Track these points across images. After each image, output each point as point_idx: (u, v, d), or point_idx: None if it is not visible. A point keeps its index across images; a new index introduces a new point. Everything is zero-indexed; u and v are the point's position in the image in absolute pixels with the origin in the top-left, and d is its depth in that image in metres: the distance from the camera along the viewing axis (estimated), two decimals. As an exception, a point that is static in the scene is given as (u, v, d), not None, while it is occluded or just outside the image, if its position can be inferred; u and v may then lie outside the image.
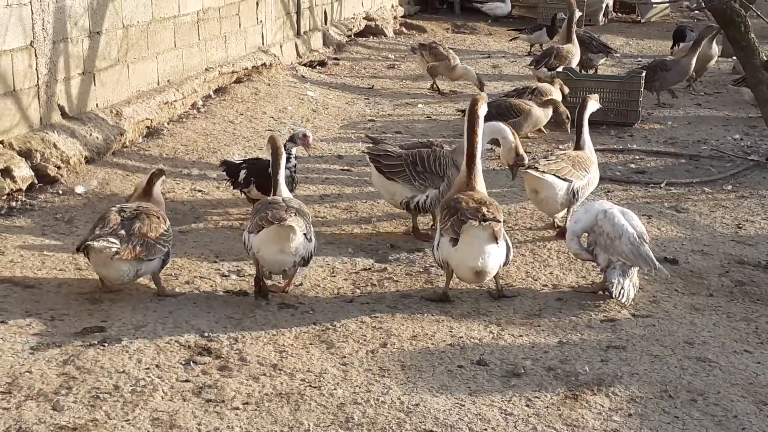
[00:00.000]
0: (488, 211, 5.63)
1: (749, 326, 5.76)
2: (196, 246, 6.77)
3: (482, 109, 6.10)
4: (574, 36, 12.79)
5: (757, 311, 6.01)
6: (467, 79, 12.56)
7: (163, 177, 6.39)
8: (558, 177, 6.84)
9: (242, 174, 7.23)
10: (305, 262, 5.84)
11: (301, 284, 6.14)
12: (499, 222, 5.63)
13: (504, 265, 5.90)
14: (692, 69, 12.28)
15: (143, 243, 5.59)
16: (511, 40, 17.33)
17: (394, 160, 6.88)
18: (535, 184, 6.90)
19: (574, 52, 12.51)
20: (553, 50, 12.64)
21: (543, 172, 6.77)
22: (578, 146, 7.25)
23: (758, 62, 9.63)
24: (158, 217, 5.84)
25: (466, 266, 5.72)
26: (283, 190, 6.21)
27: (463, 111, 9.66)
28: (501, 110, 9.33)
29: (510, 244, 5.91)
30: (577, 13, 13.29)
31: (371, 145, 7.04)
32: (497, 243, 5.65)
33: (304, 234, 5.69)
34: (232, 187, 7.46)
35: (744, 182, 8.95)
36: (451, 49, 13.18)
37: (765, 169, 9.33)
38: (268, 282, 5.96)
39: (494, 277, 5.94)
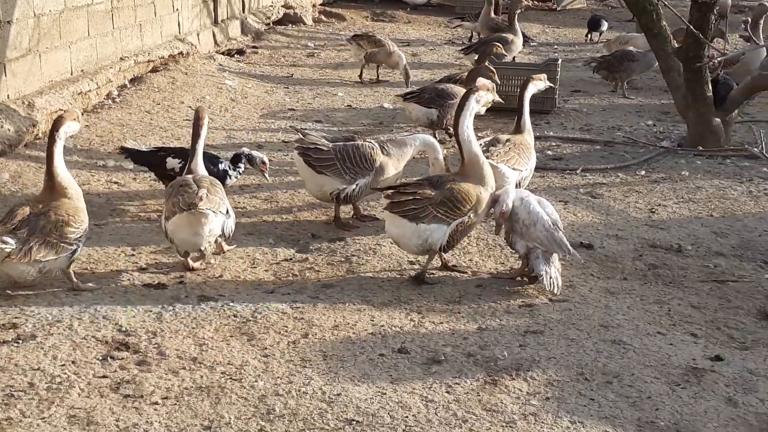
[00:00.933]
0: (396, 190, 6.01)
1: (662, 309, 5.91)
2: (112, 239, 6.66)
3: (474, 100, 6.19)
4: (517, 25, 12.98)
5: (669, 294, 6.17)
6: (400, 67, 12.50)
7: (64, 128, 5.65)
8: (509, 167, 6.93)
9: (175, 163, 7.05)
10: (225, 237, 6.13)
11: (221, 276, 6.09)
12: (392, 200, 5.94)
13: (432, 249, 6.03)
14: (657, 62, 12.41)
15: (43, 243, 5.37)
16: (454, 27, 17.60)
17: (325, 154, 6.84)
18: None
19: (516, 42, 12.67)
20: (492, 39, 12.70)
21: (498, 162, 6.83)
22: (518, 128, 7.30)
23: (670, 49, 9.86)
24: (67, 213, 5.55)
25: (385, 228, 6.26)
26: (200, 165, 6.30)
27: (402, 95, 9.69)
28: (441, 94, 9.38)
29: (437, 239, 5.96)
30: (524, 2, 13.45)
31: (299, 137, 6.98)
32: (397, 216, 5.93)
33: (220, 212, 5.90)
34: (159, 178, 7.27)
35: (657, 167, 9.16)
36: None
37: (677, 154, 9.57)
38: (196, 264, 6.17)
39: (427, 256, 6.16)
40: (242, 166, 7.20)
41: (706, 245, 7.04)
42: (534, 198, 6.12)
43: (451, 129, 9.66)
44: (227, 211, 6.05)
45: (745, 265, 6.70)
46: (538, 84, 7.43)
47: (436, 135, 9.44)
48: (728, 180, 8.75)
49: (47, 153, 5.68)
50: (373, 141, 7.02)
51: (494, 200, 6.09)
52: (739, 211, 7.87)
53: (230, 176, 7.09)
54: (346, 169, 6.81)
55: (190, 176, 6.14)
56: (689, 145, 9.70)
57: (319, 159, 6.83)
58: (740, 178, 8.81)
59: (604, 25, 16.81)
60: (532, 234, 5.94)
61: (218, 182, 6.25)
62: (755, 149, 9.36)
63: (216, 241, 6.14)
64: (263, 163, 7.22)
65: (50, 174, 5.65)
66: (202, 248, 6.02)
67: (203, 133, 6.31)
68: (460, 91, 9.31)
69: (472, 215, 6.01)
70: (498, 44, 11.43)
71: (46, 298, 5.59)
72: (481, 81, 8.62)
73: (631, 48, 12.57)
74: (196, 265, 6.15)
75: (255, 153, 7.26)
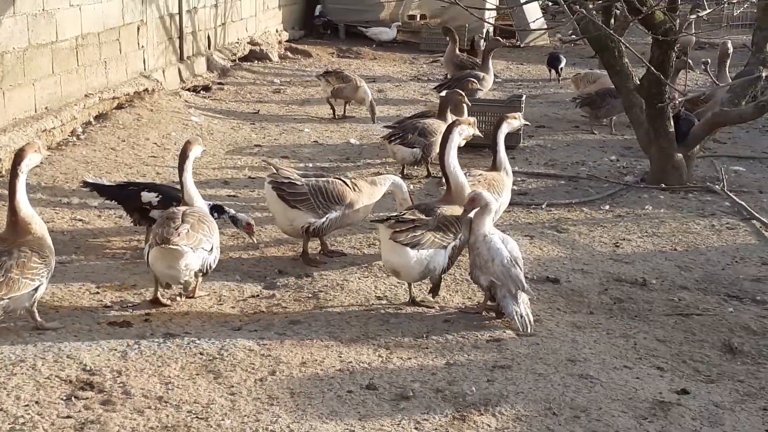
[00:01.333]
0: (399, 218, 6.04)
1: (628, 342, 5.95)
2: (77, 277, 6.59)
3: (457, 133, 6.54)
4: (490, 63, 13.15)
5: (635, 327, 6.21)
6: (366, 103, 12.56)
7: (26, 161, 5.59)
8: None
9: (151, 197, 6.98)
10: (204, 272, 6.08)
11: (187, 313, 6.05)
12: (395, 228, 5.96)
13: (433, 274, 6.16)
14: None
15: (5, 280, 5.27)
16: (431, 62, 17.93)
17: (299, 189, 6.88)
18: None
19: (487, 80, 12.81)
20: (465, 76, 12.79)
21: None
22: (495, 166, 7.36)
23: (632, 86, 9.99)
24: (30, 250, 5.46)
25: (383, 259, 6.30)
26: (193, 194, 6.31)
27: (387, 137, 9.69)
28: (423, 132, 9.51)
29: (439, 263, 6.10)
30: (501, 41, 13.60)
31: (273, 171, 7.00)
32: (400, 245, 5.94)
33: (202, 248, 5.85)
34: (132, 216, 7.18)
35: (621, 202, 9.26)
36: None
37: (640, 189, 9.68)
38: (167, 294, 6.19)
39: (433, 281, 6.28)
40: (216, 215, 7.12)
41: (671, 279, 7.11)
42: (499, 236, 6.18)
43: (430, 163, 9.82)
44: (211, 248, 6.00)
45: (709, 298, 6.77)
46: (513, 123, 7.48)
47: (405, 171, 9.55)
48: (691, 214, 8.86)
49: (9, 188, 5.61)
50: (344, 178, 7.12)
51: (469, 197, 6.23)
52: (702, 245, 7.97)
53: None
54: (318, 204, 6.87)
55: (181, 209, 6.09)
56: (652, 181, 9.82)
57: (293, 194, 6.88)
58: (703, 213, 8.92)
59: (563, 62, 17.05)
60: (489, 268, 6.03)
61: (209, 218, 6.19)
62: (716, 186, 9.53)
63: (195, 276, 6.07)
64: (249, 224, 7.10)
65: (13, 209, 5.56)
66: (181, 282, 6.00)
67: (189, 165, 6.29)
68: (439, 125, 9.50)
69: (461, 237, 6.21)
70: (474, 80, 11.58)
71: (9, 338, 5.51)
72: (463, 116, 8.81)
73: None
74: (164, 301, 6.10)
75: (240, 215, 7.14)
